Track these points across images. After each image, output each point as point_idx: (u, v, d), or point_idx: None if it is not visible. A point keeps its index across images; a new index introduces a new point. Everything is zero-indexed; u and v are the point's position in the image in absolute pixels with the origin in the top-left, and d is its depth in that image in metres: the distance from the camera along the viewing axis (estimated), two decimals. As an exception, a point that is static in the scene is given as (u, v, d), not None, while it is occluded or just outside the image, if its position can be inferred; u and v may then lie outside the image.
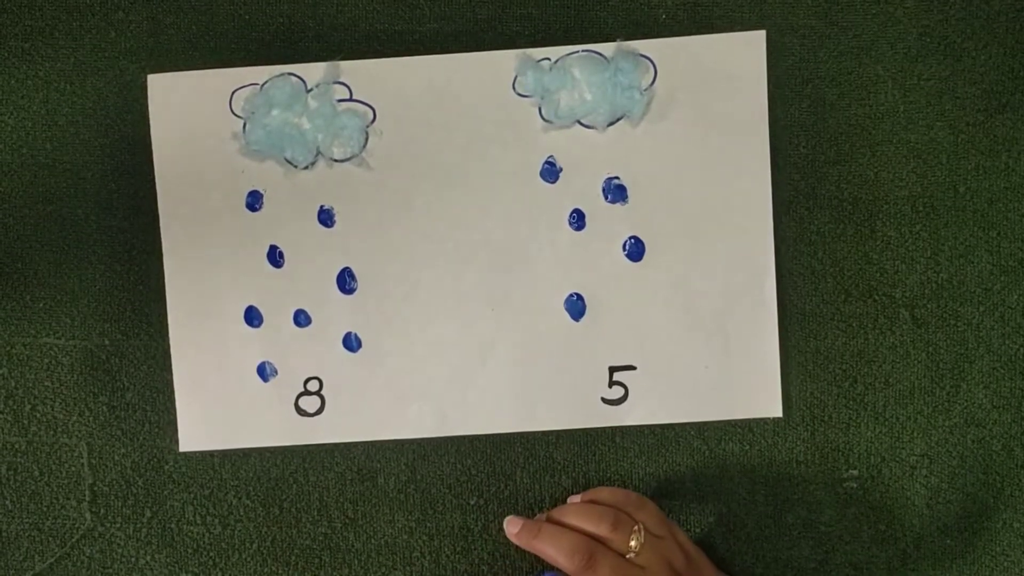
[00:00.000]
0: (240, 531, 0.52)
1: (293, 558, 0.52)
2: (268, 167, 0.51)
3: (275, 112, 0.50)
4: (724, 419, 0.51)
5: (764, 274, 0.50)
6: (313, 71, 0.50)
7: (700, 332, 0.51)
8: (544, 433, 0.51)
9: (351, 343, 0.51)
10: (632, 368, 0.51)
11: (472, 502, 0.52)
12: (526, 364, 0.51)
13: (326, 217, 0.51)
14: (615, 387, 0.51)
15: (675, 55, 0.50)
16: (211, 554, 0.51)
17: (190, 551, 0.51)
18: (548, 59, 0.50)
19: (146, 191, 0.51)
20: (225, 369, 0.51)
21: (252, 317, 0.51)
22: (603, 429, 0.51)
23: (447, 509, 0.52)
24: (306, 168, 0.51)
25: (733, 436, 0.51)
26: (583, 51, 0.50)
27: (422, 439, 0.51)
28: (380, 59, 0.50)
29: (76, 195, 0.51)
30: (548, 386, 0.51)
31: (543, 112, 0.50)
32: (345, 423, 0.51)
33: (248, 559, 0.52)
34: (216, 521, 0.51)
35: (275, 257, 0.51)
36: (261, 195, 0.51)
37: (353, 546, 0.52)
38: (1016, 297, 0.50)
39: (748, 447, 0.51)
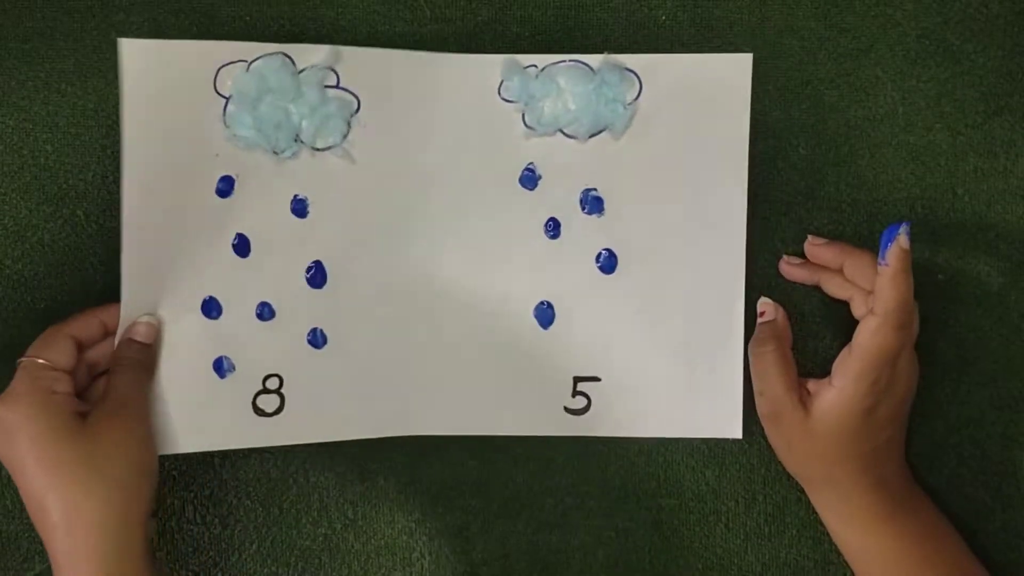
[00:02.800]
0: (240, 531, 0.52)
1: (293, 559, 0.52)
2: (246, 152, 0.49)
3: (265, 95, 0.48)
4: (685, 436, 0.51)
5: (733, 296, 0.50)
6: (305, 52, 0.49)
7: (666, 349, 0.50)
8: (545, 435, 0.51)
9: (316, 339, 0.50)
10: (596, 380, 0.50)
11: (472, 503, 0.52)
12: (492, 369, 0.50)
13: (300, 207, 0.49)
14: (578, 397, 0.50)
15: (661, 72, 0.49)
16: (211, 554, 0.51)
17: (190, 551, 0.51)
18: (535, 66, 0.50)
19: (147, 192, 0.51)
20: (178, 363, 0.49)
21: (211, 308, 0.49)
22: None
23: (447, 510, 0.52)
24: (285, 154, 0.49)
25: (733, 436, 0.51)
26: (570, 61, 0.50)
27: (421, 437, 0.51)
28: (368, 48, 0.49)
29: (77, 196, 0.51)
30: (513, 392, 0.50)
31: (526, 119, 0.50)
32: (304, 423, 0.50)
33: (248, 559, 0.51)
34: (216, 521, 0.51)
35: (241, 246, 0.49)
36: (233, 180, 0.49)
37: (353, 547, 0.52)
38: (1015, 298, 0.51)
39: (747, 447, 0.51)
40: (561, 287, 0.50)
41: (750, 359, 0.50)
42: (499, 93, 0.50)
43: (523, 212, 0.50)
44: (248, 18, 0.51)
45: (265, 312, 0.50)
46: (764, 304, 0.50)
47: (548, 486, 0.52)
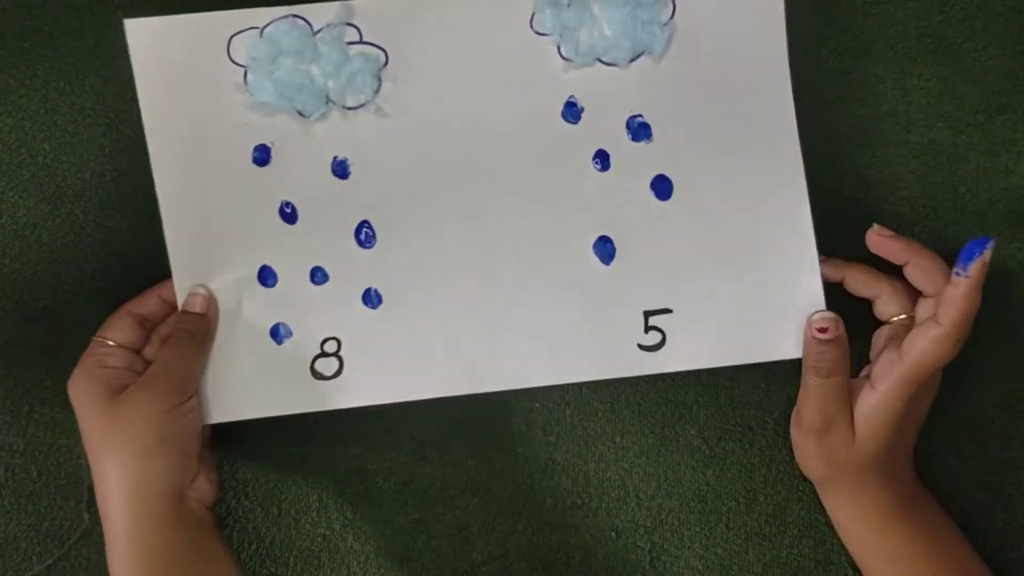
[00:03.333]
0: (239, 532, 0.51)
1: (292, 559, 0.52)
2: (275, 118, 0.49)
3: (280, 59, 0.48)
4: (769, 360, 0.49)
5: (797, 203, 0.49)
6: (319, 12, 0.48)
7: (737, 268, 0.49)
8: (543, 432, 0.51)
9: (371, 299, 0.49)
10: (668, 312, 0.49)
11: (472, 503, 0.52)
12: (556, 313, 0.49)
13: (341, 168, 0.49)
14: (651, 332, 0.49)
15: None
16: (210, 555, 0.51)
17: (189, 551, 0.51)
18: None
19: (145, 191, 0.51)
20: (235, 333, 0.49)
21: (266, 276, 0.49)
22: (602, 428, 0.51)
23: (445, 510, 0.52)
24: (313, 117, 0.49)
25: (733, 435, 0.51)
26: None
27: (420, 435, 0.51)
28: None
29: (75, 195, 0.51)
30: (580, 335, 0.49)
31: (562, 51, 0.49)
32: (365, 385, 0.49)
33: (247, 560, 0.51)
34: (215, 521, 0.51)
35: (288, 213, 0.49)
36: (269, 148, 0.49)
37: (352, 547, 0.52)
38: (1015, 297, 0.51)
39: (748, 446, 0.51)
40: (618, 219, 0.49)
41: (807, 390, 0.47)
42: (531, 26, 0.49)
43: (569, 147, 0.49)
44: None
45: (319, 276, 0.49)
46: (825, 320, 0.47)
47: (548, 486, 0.52)
